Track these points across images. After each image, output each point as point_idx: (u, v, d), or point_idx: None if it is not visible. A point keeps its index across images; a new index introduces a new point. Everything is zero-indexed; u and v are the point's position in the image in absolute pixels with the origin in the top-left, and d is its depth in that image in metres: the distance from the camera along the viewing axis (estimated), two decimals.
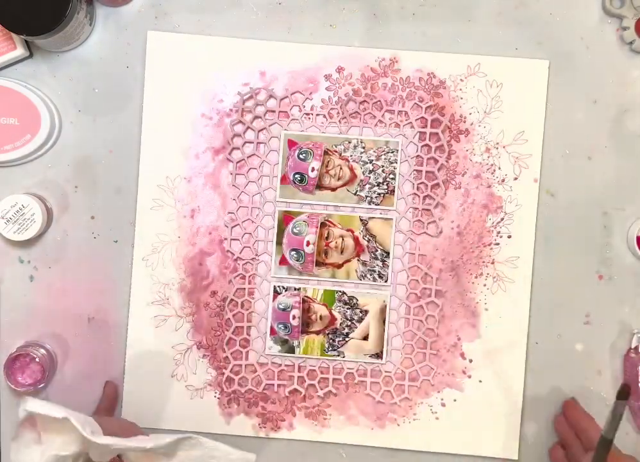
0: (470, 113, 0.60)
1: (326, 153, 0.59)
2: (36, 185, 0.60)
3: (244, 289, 0.60)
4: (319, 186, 0.60)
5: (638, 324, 0.60)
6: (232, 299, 0.60)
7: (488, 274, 0.60)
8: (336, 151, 0.60)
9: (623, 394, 0.49)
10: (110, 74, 0.60)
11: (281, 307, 0.60)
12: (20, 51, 0.58)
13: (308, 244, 0.59)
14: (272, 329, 0.60)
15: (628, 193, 0.60)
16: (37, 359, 0.58)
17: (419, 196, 0.60)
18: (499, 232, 0.60)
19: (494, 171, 0.60)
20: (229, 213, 0.60)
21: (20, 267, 0.60)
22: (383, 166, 0.59)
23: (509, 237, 0.60)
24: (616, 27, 0.60)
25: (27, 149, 0.59)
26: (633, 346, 0.59)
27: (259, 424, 0.60)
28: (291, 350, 0.60)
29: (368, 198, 0.60)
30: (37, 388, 0.58)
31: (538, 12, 0.60)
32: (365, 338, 0.60)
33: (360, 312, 0.60)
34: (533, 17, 0.60)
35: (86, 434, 0.43)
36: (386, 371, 0.60)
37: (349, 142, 0.59)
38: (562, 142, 0.60)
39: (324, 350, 0.60)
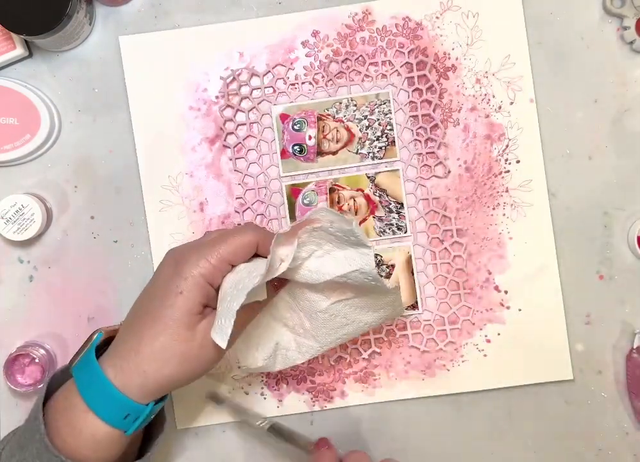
0: (453, 49, 0.59)
1: (319, 118, 0.59)
2: (36, 185, 0.60)
3: None
4: (320, 152, 0.60)
5: (639, 324, 0.60)
6: None
7: (505, 203, 0.59)
8: (329, 115, 0.59)
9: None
10: (110, 74, 0.60)
11: None
12: (19, 51, 0.58)
13: None
14: None
15: (628, 193, 0.60)
16: (37, 359, 0.57)
17: (420, 141, 0.60)
18: (506, 159, 0.59)
19: (489, 100, 0.59)
20: (237, 198, 0.60)
21: (20, 267, 0.60)
22: (378, 119, 0.59)
23: (517, 161, 0.59)
24: (617, 27, 0.59)
25: (26, 148, 0.58)
26: (635, 346, 0.59)
27: (311, 399, 0.60)
28: None
29: (370, 154, 0.59)
30: (37, 388, 0.58)
31: (539, 12, 0.59)
32: None
33: (387, 267, 0.59)
34: (533, 17, 0.59)
35: None
36: (425, 320, 0.60)
37: (340, 103, 0.59)
38: (562, 142, 0.59)
39: None
